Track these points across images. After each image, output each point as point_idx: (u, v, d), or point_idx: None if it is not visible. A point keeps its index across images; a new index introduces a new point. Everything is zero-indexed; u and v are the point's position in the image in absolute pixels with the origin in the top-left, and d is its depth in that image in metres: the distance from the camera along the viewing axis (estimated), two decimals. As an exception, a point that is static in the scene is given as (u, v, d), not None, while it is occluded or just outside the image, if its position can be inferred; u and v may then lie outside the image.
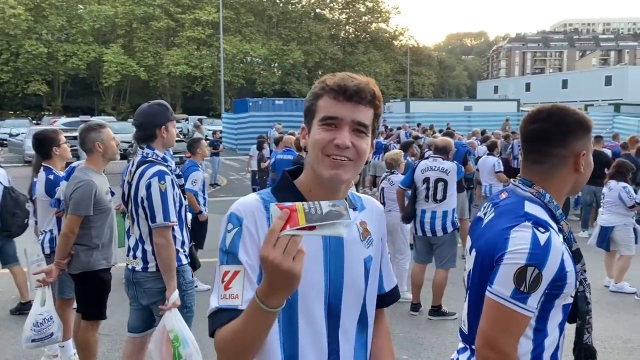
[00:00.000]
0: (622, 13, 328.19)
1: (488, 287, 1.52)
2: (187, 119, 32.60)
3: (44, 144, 4.31)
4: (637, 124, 25.15)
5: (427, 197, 5.47)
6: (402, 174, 6.19)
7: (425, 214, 5.47)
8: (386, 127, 19.28)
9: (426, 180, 5.48)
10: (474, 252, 1.68)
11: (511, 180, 1.77)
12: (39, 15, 44.97)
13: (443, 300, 5.49)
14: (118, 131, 11.92)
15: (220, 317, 1.21)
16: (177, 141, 4.43)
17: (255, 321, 1.13)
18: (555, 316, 1.55)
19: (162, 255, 3.08)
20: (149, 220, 3.10)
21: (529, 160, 1.68)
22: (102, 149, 3.64)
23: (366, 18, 60.47)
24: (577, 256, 1.56)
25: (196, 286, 4.11)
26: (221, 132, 21.65)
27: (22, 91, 45.33)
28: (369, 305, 1.43)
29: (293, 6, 57.01)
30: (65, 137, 4.51)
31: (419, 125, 20.43)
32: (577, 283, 1.56)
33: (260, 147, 11.29)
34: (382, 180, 6.37)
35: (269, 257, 1.04)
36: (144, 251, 3.16)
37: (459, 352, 1.75)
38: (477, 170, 9.47)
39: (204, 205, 6.27)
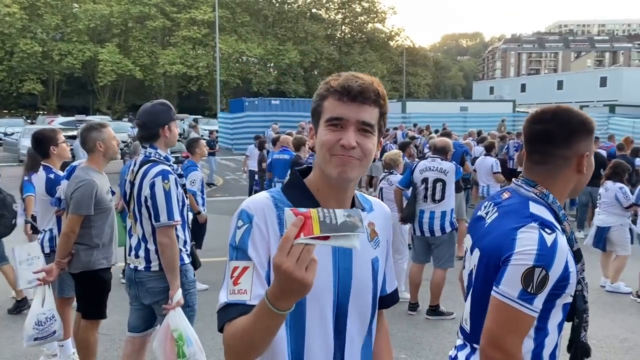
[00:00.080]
0: (617, 14, 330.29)
1: (494, 288, 1.52)
2: (182, 120, 32.42)
3: (43, 143, 4.31)
4: (632, 125, 25.33)
5: (425, 197, 5.49)
6: (401, 174, 6.21)
7: (424, 214, 5.49)
8: (383, 128, 19.25)
9: (425, 180, 5.50)
10: (476, 252, 1.67)
11: (513, 180, 1.76)
12: (34, 14, 44.74)
13: (441, 299, 5.52)
14: (113, 130, 11.84)
15: (229, 312, 1.22)
16: (176, 141, 4.42)
17: (263, 322, 1.14)
18: (556, 315, 1.56)
19: (166, 254, 3.08)
20: (153, 220, 3.09)
21: (532, 161, 1.68)
22: (103, 148, 3.65)
23: (362, 18, 60.49)
24: (577, 256, 1.57)
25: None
26: (217, 132, 21.60)
27: (16, 90, 45.10)
28: (374, 306, 1.44)
29: (289, 6, 56.90)
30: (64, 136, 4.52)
31: (415, 125, 20.48)
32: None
33: (261, 147, 11.25)
34: (380, 180, 6.37)
35: (282, 265, 1.04)
36: (147, 250, 3.16)
37: (457, 348, 1.76)
38: (475, 170, 9.49)
39: (203, 205, 6.27)
